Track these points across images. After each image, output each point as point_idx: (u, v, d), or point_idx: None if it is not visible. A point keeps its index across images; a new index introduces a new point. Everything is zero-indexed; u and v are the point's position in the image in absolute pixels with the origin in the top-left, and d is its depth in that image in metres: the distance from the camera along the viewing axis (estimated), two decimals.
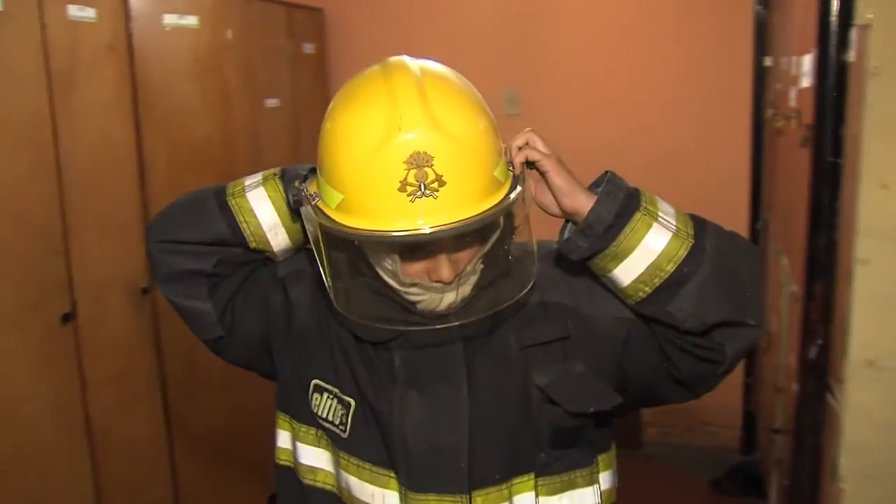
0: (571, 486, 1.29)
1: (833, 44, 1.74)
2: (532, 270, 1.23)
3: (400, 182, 1.08)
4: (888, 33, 1.62)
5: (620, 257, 1.17)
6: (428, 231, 1.09)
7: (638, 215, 1.16)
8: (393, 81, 1.13)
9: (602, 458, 1.35)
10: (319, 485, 1.36)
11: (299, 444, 1.37)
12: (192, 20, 2.94)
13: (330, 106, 1.19)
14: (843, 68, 1.75)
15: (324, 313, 1.34)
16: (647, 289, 1.18)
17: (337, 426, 1.32)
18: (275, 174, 1.32)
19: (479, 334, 1.28)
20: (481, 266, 1.23)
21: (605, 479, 1.35)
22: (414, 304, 1.23)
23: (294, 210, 1.26)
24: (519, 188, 1.17)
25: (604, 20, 4.05)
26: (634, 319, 1.25)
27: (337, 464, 1.33)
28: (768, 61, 3.67)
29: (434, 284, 1.19)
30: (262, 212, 1.30)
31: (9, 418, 2.16)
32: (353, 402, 1.30)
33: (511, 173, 1.20)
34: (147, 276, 2.61)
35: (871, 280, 1.69)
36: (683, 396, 1.32)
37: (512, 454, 1.28)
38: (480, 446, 1.26)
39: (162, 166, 2.80)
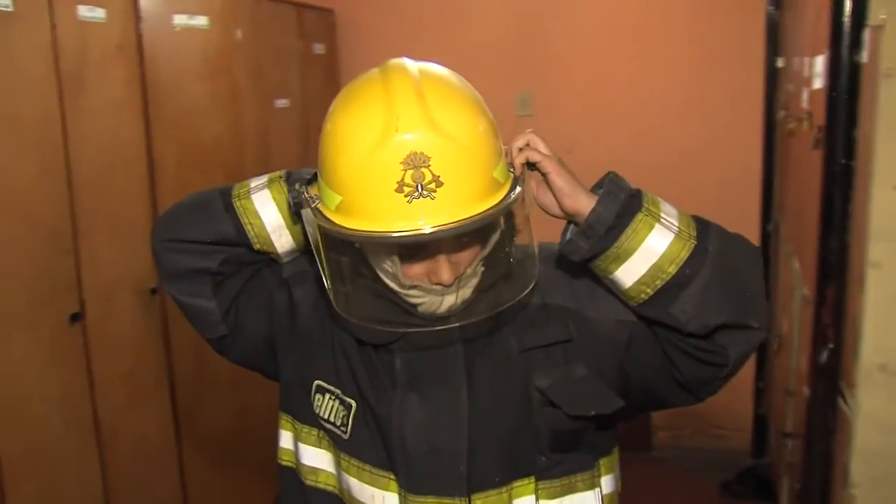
0: (572, 489, 1.29)
1: (846, 45, 1.73)
2: (533, 272, 1.22)
3: (397, 183, 1.08)
4: None
5: (622, 258, 1.16)
6: (427, 231, 1.08)
7: (640, 216, 1.15)
8: (391, 83, 1.13)
9: (604, 462, 1.34)
10: (321, 486, 1.36)
11: (301, 445, 1.38)
12: (201, 20, 2.94)
13: (330, 108, 1.19)
14: (855, 69, 1.73)
15: (326, 314, 1.34)
16: (649, 290, 1.17)
17: (338, 427, 1.32)
18: (280, 176, 1.32)
19: (479, 336, 1.28)
20: (482, 268, 1.23)
21: (607, 483, 1.34)
22: (414, 306, 1.23)
23: (295, 212, 1.26)
24: (518, 189, 1.16)
25: (615, 21, 4.03)
26: (637, 322, 1.25)
27: (338, 465, 1.34)
28: (780, 62, 3.65)
29: (434, 287, 1.19)
30: (267, 214, 1.30)
31: (18, 417, 2.17)
32: (354, 404, 1.30)
33: (512, 174, 1.19)
34: (156, 276, 2.61)
35: (883, 283, 1.67)
36: (686, 400, 1.31)
37: (512, 457, 1.27)
38: (480, 449, 1.26)
39: (171, 166, 2.80)
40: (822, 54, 2.04)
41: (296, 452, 1.39)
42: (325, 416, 1.33)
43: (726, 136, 3.95)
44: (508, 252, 1.26)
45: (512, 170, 1.19)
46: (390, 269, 1.20)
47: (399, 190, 1.08)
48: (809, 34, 2.59)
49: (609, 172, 1.20)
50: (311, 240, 1.21)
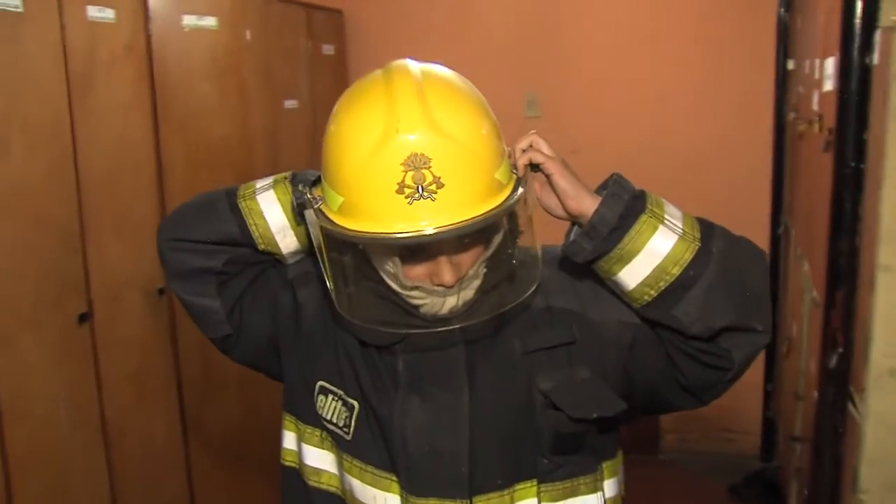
0: (574, 492, 1.28)
1: (857, 47, 1.72)
2: (536, 274, 1.22)
3: (398, 184, 1.08)
4: None
5: (625, 260, 1.16)
6: (428, 232, 1.08)
7: (643, 217, 1.15)
8: (393, 84, 1.13)
9: (607, 466, 1.34)
10: (324, 486, 1.37)
11: (304, 446, 1.38)
12: (210, 21, 2.95)
13: (334, 109, 1.19)
14: (866, 72, 1.72)
15: (330, 316, 1.34)
16: (652, 292, 1.16)
17: (341, 428, 1.32)
18: (285, 178, 1.33)
19: (481, 338, 1.27)
20: (484, 270, 1.23)
21: (610, 486, 1.34)
22: (416, 307, 1.23)
23: (298, 213, 1.26)
24: (521, 190, 1.16)
25: (625, 23, 4.03)
26: (640, 325, 1.24)
27: (340, 466, 1.34)
28: (791, 64, 3.64)
29: (436, 288, 1.19)
30: (272, 214, 1.31)
31: (25, 416, 2.17)
32: (356, 405, 1.31)
33: (515, 176, 1.19)
34: (163, 276, 2.61)
35: (893, 286, 1.66)
36: (690, 403, 1.30)
37: (514, 459, 1.27)
38: (481, 451, 1.26)
39: (180, 167, 2.81)
40: (833, 56, 2.03)
41: (299, 453, 1.40)
42: (328, 417, 1.33)
43: (736, 138, 3.94)
44: (511, 254, 1.26)
45: (515, 171, 1.19)
46: (392, 271, 1.21)
47: (400, 191, 1.08)
48: (820, 36, 2.58)
49: (613, 174, 1.20)
50: (313, 241, 1.22)
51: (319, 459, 1.37)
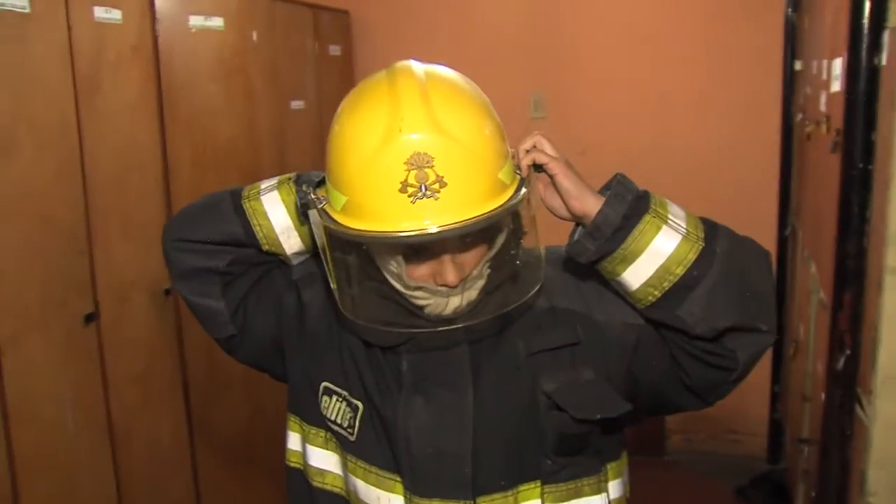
0: (578, 494, 1.28)
1: (864, 47, 1.72)
2: (539, 275, 1.22)
3: (401, 183, 1.08)
4: None
5: (629, 260, 1.15)
6: (431, 231, 1.09)
7: (647, 217, 1.15)
8: (397, 84, 1.14)
9: (611, 467, 1.34)
10: (328, 487, 1.37)
11: (308, 447, 1.38)
12: (217, 22, 2.95)
13: (338, 110, 1.20)
14: (874, 72, 1.72)
15: (334, 316, 1.35)
16: (656, 292, 1.16)
17: (345, 429, 1.32)
18: (290, 178, 1.33)
19: (486, 337, 1.28)
20: (488, 270, 1.23)
21: (615, 488, 1.34)
22: (420, 308, 1.23)
23: (302, 213, 1.26)
24: (524, 190, 1.16)
25: (631, 23, 4.02)
26: (644, 325, 1.24)
27: (344, 466, 1.34)
28: (798, 65, 3.63)
29: (439, 288, 1.19)
30: (276, 215, 1.31)
31: (31, 417, 2.18)
32: (361, 406, 1.31)
33: (518, 176, 1.19)
34: (169, 277, 2.61)
35: None
36: (695, 404, 1.30)
37: (517, 461, 1.27)
38: (485, 452, 1.26)
39: (186, 168, 2.81)
40: (841, 57, 2.02)
41: (303, 454, 1.40)
42: (332, 418, 1.34)
43: (743, 139, 3.93)
44: (514, 254, 1.26)
45: (519, 172, 1.19)
46: (395, 270, 1.21)
47: (403, 190, 1.08)
48: (828, 37, 2.57)
49: (617, 174, 1.20)
50: (317, 241, 1.22)
51: (324, 460, 1.37)
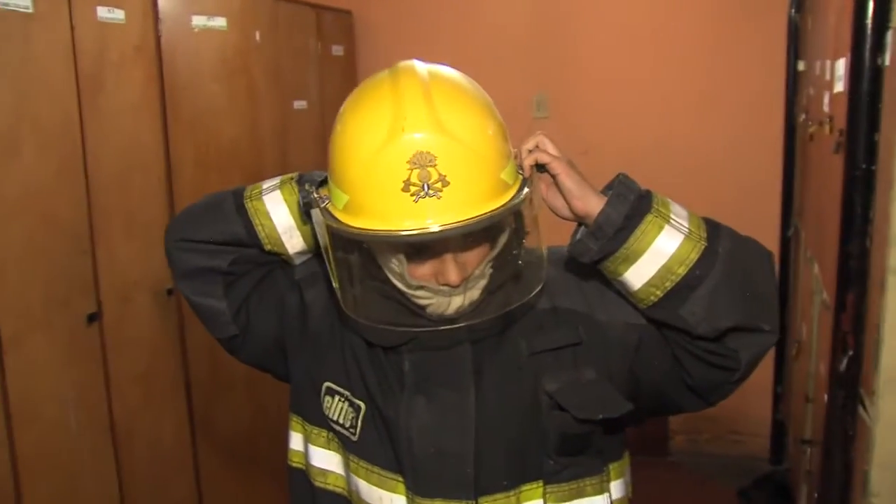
0: (580, 494, 1.28)
1: (868, 47, 1.71)
2: (541, 275, 1.22)
3: (403, 182, 1.09)
4: None
5: (631, 260, 1.16)
6: (434, 230, 1.09)
7: (649, 217, 1.15)
8: (400, 84, 1.14)
9: (613, 467, 1.34)
10: (330, 487, 1.37)
11: (311, 447, 1.38)
12: (220, 22, 2.95)
13: (341, 109, 1.20)
14: (877, 73, 1.71)
15: (337, 316, 1.35)
16: (658, 292, 1.16)
17: (347, 429, 1.32)
18: (292, 178, 1.34)
19: (488, 337, 1.28)
20: (490, 270, 1.23)
21: (617, 488, 1.34)
22: (422, 307, 1.23)
23: (305, 212, 1.26)
24: (526, 190, 1.16)
25: (635, 23, 4.01)
26: (646, 325, 1.24)
27: (347, 467, 1.34)
28: (801, 65, 3.62)
29: (442, 287, 1.19)
30: (278, 214, 1.32)
31: (34, 416, 2.18)
32: (363, 406, 1.31)
33: (521, 176, 1.19)
34: (172, 277, 2.62)
35: None
36: (697, 404, 1.30)
37: (519, 461, 1.27)
38: (487, 452, 1.26)
39: (189, 168, 2.81)
40: (844, 57, 2.02)
41: (305, 454, 1.40)
42: (335, 418, 1.34)
43: (746, 139, 3.92)
44: (516, 254, 1.26)
45: (521, 172, 1.19)
46: (398, 270, 1.21)
47: (405, 189, 1.09)
48: (831, 37, 2.56)
49: (619, 174, 1.20)
50: (319, 239, 1.22)
51: (326, 460, 1.37)
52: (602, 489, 1.30)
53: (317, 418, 1.37)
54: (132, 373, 2.57)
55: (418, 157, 1.08)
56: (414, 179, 1.08)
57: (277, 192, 1.32)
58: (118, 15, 2.45)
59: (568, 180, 1.18)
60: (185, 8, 2.78)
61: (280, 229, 1.32)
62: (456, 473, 1.25)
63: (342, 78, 4.01)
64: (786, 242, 3.82)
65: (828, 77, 2.56)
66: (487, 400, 1.26)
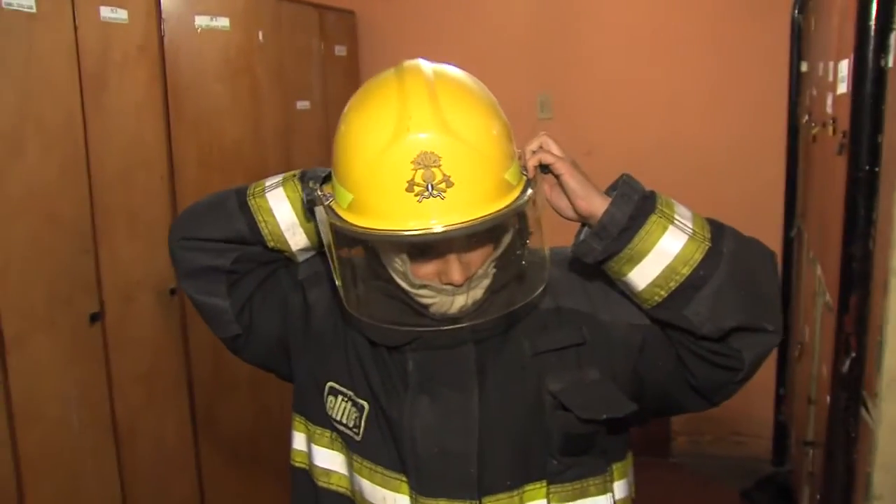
0: (584, 494, 1.28)
1: (871, 49, 1.71)
2: (544, 275, 1.22)
3: (407, 182, 1.09)
4: None
5: (635, 260, 1.16)
6: (437, 230, 1.09)
7: (653, 217, 1.15)
8: (405, 83, 1.14)
9: (617, 467, 1.34)
10: (333, 487, 1.37)
11: (314, 446, 1.38)
12: (223, 22, 2.95)
13: (345, 107, 1.20)
14: (881, 74, 1.71)
15: (340, 316, 1.35)
16: (662, 293, 1.16)
17: (350, 429, 1.32)
18: (294, 175, 1.34)
19: (491, 337, 1.28)
20: (493, 270, 1.23)
21: (620, 488, 1.34)
22: (426, 307, 1.23)
23: (308, 210, 1.27)
24: (530, 191, 1.16)
25: (638, 24, 4.01)
26: (650, 326, 1.24)
27: (350, 466, 1.34)
28: (804, 66, 3.61)
29: (445, 287, 1.19)
30: (281, 211, 1.32)
31: (37, 416, 2.18)
32: (366, 406, 1.31)
33: (524, 177, 1.19)
34: (175, 276, 2.62)
35: None
36: (701, 405, 1.30)
37: (523, 461, 1.27)
38: (490, 452, 1.26)
39: (192, 167, 2.81)
40: (847, 58, 2.02)
41: (309, 454, 1.40)
42: (338, 418, 1.34)
43: (749, 140, 3.92)
44: (520, 254, 1.26)
45: (525, 173, 1.19)
46: (401, 269, 1.21)
47: (409, 189, 1.09)
48: (834, 38, 2.56)
49: (623, 174, 1.20)
50: (322, 238, 1.22)
51: (329, 460, 1.37)
52: (605, 489, 1.30)
53: (320, 418, 1.37)
54: (135, 372, 2.57)
55: (423, 157, 1.08)
56: (418, 180, 1.08)
57: (280, 189, 1.32)
58: (121, 15, 2.46)
59: (572, 180, 1.18)
60: (189, 8, 2.79)
61: (283, 226, 1.32)
62: (459, 473, 1.25)
63: (345, 78, 4.02)
64: (788, 243, 3.81)
65: (831, 78, 2.56)
66: (491, 400, 1.26)
